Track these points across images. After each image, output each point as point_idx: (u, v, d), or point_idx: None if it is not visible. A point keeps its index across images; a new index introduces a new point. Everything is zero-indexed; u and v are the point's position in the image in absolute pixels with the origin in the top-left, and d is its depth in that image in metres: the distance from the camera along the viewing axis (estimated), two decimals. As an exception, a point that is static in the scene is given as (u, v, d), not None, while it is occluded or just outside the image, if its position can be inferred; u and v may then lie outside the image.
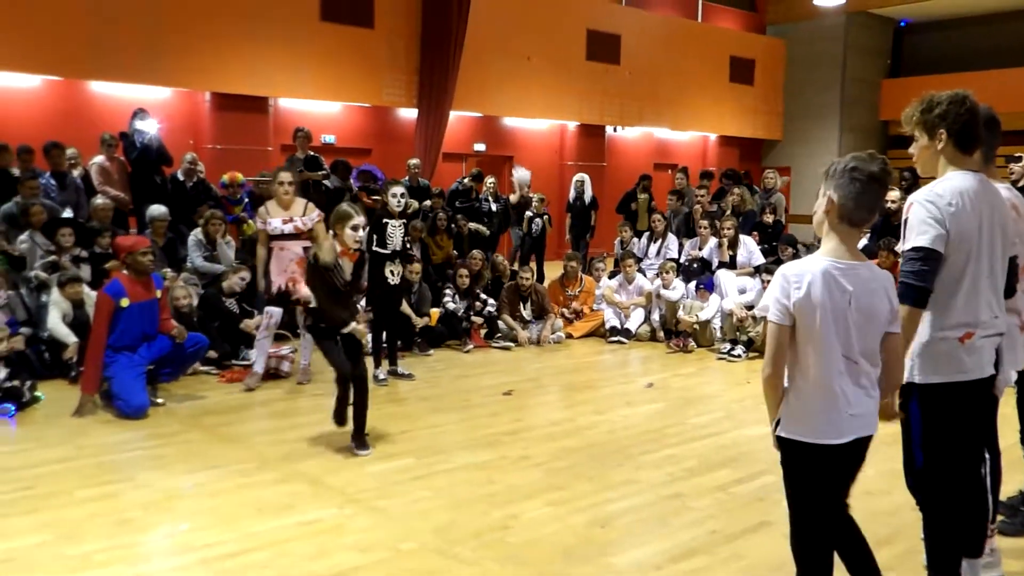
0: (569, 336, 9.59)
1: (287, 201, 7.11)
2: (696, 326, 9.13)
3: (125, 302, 6.21)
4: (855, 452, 2.73)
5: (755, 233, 10.39)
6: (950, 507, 3.13)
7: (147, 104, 10.58)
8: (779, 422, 2.77)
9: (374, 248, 7.24)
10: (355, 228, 5.53)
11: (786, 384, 2.76)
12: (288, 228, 7.04)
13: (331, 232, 5.66)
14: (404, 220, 7.62)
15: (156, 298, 6.45)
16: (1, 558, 3.79)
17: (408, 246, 7.85)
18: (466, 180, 12.16)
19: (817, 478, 2.75)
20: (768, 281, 8.68)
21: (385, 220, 7.35)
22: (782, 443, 2.78)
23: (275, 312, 6.97)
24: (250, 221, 9.95)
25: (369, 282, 7.28)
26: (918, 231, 2.98)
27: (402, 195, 7.42)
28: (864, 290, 2.65)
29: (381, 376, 7.22)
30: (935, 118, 3.07)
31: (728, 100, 20.39)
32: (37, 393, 6.40)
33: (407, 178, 11.52)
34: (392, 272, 7.34)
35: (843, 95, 20.69)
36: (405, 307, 8.47)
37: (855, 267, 2.66)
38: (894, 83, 21.20)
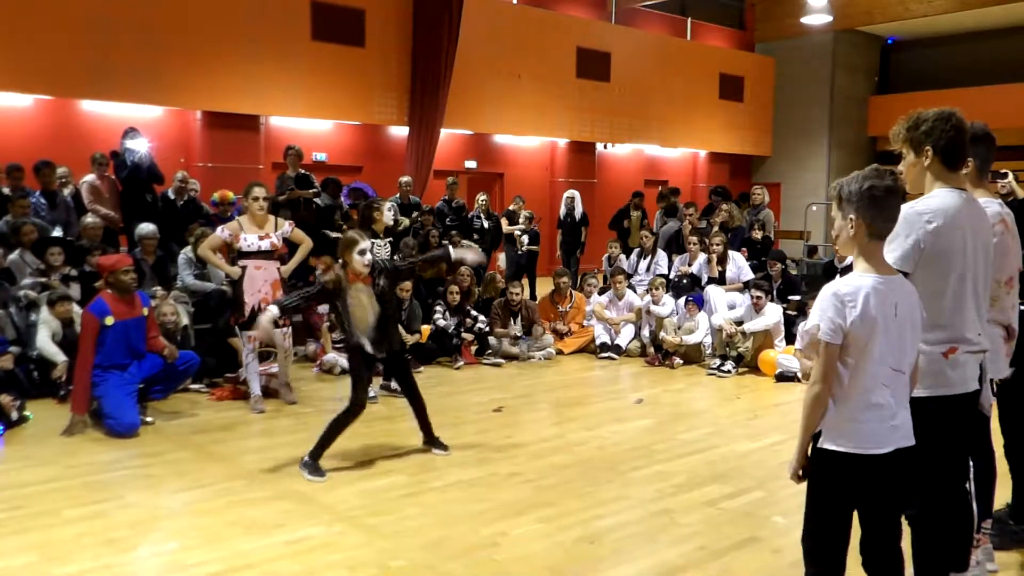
0: (559, 352, 9.61)
1: (261, 218, 6.97)
2: (681, 347, 9.15)
3: (110, 320, 6.20)
4: (896, 463, 2.75)
5: (744, 249, 10.45)
6: (936, 521, 3.15)
7: (138, 123, 10.60)
8: (818, 435, 2.79)
9: None
10: (362, 253, 5.48)
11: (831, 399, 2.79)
12: (265, 244, 6.89)
13: (340, 260, 5.62)
14: (390, 239, 7.63)
15: (143, 316, 6.44)
16: (-12, 578, 3.78)
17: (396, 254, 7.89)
18: (445, 198, 12.18)
19: (849, 490, 2.77)
20: (758, 297, 8.78)
21: (372, 241, 7.37)
22: (821, 455, 2.79)
23: (253, 334, 6.89)
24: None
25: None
26: (889, 248, 3.03)
27: (390, 210, 7.47)
28: (906, 301, 2.75)
29: (371, 393, 7.21)
30: (921, 135, 3.13)
31: (718, 117, 20.54)
32: (26, 412, 6.38)
33: (398, 195, 11.58)
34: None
35: (832, 112, 20.87)
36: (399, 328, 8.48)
37: (893, 280, 2.75)
38: (882, 100, 21.40)
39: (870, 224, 2.72)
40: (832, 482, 2.79)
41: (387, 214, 7.43)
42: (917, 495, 3.14)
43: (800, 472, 2.84)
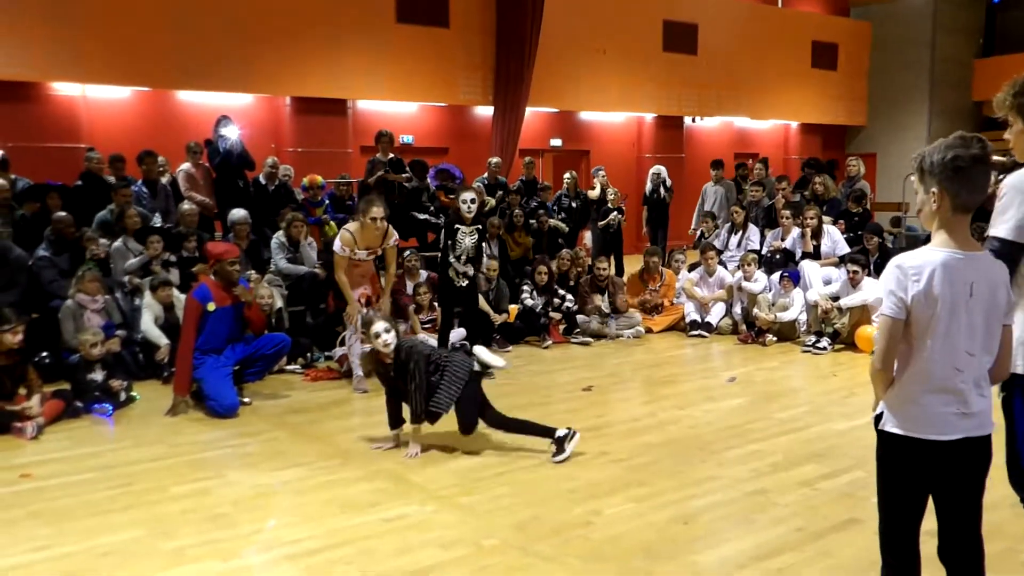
0: (649, 331, 9.50)
1: (377, 236, 6.97)
2: (774, 324, 8.93)
3: (212, 306, 6.40)
4: (964, 452, 2.58)
5: (840, 222, 10.09)
6: None
7: (230, 111, 10.88)
8: (881, 415, 2.66)
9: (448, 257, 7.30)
10: (377, 336, 5.30)
11: (893, 375, 2.65)
12: (367, 255, 7.06)
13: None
14: (478, 226, 7.60)
15: (242, 302, 6.62)
16: (101, 552, 3.95)
17: (487, 248, 7.87)
18: (523, 178, 12.10)
19: (914, 475, 2.63)
20: (855, 271, 8.48)
21: (457, 226, 7.39)
22: (882, 437, 2.67)
23: (351, 313, 7.04)
24: (332, 223, 10.14)
25: (437, 284, 7.39)
26: (1002, 218, 2.85)
27: (472, 201, 7.43)
28: (985, 280, 2.55)
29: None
30: None
31: (810, 87, 19.89)
32: (133, 393, 6.66)
33: (486, 175, 11.59)
34: (457, 274, 7.38)
35: (932, 77, 19.94)
36: (483, 304, 8.52)
37: (974, 257, 2.56)
38: (987, 63, 20.32)
39: (955, 197, 2.53)
40: (896, 466, 2.65)
41: (463, 207, 7.41)
42: None
43: (873, 419, 2.70)
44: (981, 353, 2.58)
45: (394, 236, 7.16)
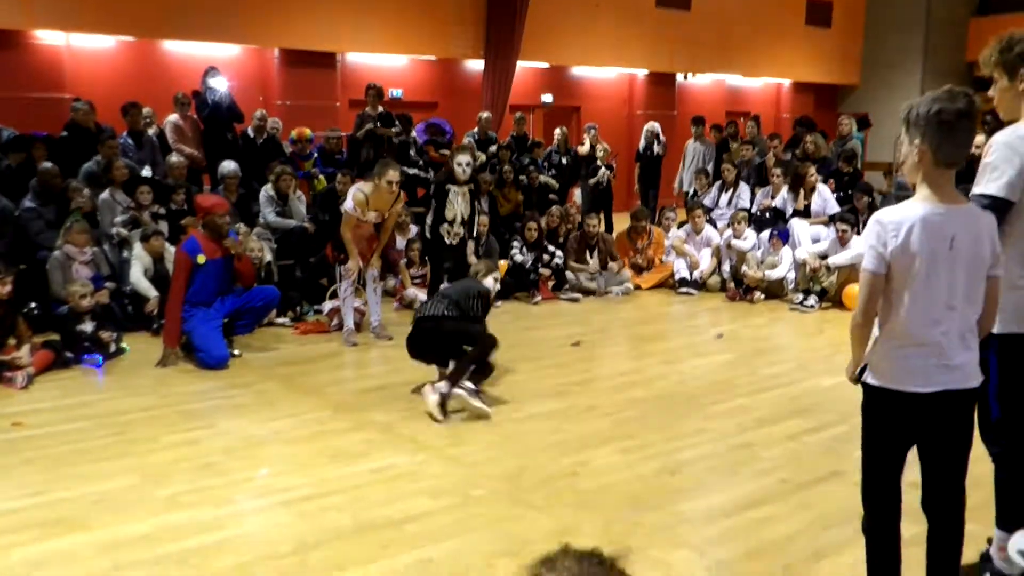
0: (637, 287, 9.53)
1: (388, 200, 6.91)
2: (762, 282, 8.98)
3: (202, 259, 6.40)
4: (945, 405, 2.60)
5: (831, 181, 10.11)
6: (1022, 458, 3.04)
7: (218, 62, 10.75)
8: (864, 368, 2.70)
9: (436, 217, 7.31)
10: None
11: (876, 331, 2.68)
12: (375, 217, 6.99)
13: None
14: (470, 186, 7.53)
15: (231, 254, 6.62)
16: (94, 498, 3.99)
17: (477, 205, 7.84)
18: (513, 134, 12.02)
19: (895, 427, 2.67)
20: (844, 230, 8.52)
21: (449, 186, 7.34)
22: (866, 389, 2.71)
23: (349, 265, 7.04)
24: (320, 176, 10.09)
25: (427, 239, 7.39)
26: (990, 176, 2.86)
27: (468, 164, 7.37)
28: (966, 233, 2.55)
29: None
30: (1015, 57, 2.93)
31: (803, 44, 19.72)
32: (123, 345, 6.66)
33: (476, 131, 11.52)
34: (448, 232, 7.35)
35: (927, 36, 19.78)
36: (473, 259, 8.52)
37: (955, 210, 2.56)
38: (983, 22, 20.14)
39: (936, 151, 2.53)
40: (878, 417, 2.69)
41: (457, 169, 7.36)
42: (1004, 433, 3.04)
43: (856, 374, 2.74)
44: (964, 306, 2.59)
45: (403, 198, 7.11)
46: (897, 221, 2.54)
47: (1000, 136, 2.90)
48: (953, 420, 2.66)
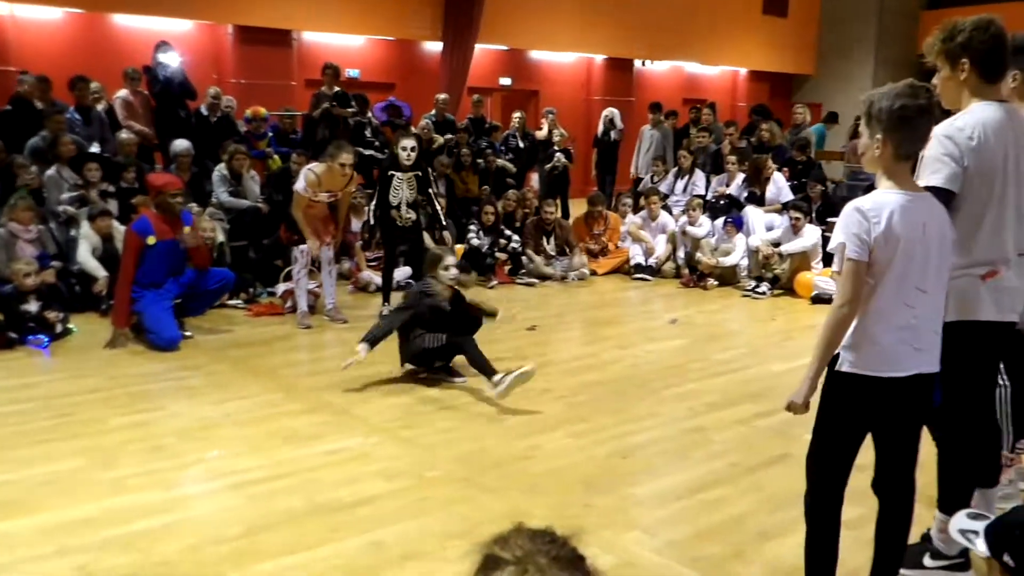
0: (593, 273, 9.58)
1: (341, 181, 6.90)
2: (716, 268, 9.08)
3: (152, 240, 6.25)
4: (916, 388, 2.66)
5: (785, 169, 10.24)
6: (964, 442, 3.12)
7: (170, 37, 10.50)
8: (837, 357, 2.68)
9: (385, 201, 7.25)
10: (447, 268, 5.60)
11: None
12: (328, 197, 6.94)
13: (429, 276, 5.66)
14: (416, 172, 7.42)
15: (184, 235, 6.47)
16: (41, 480, 3.91)
17: (432, 186, 7.77)
18: (471, 116, 11.97)
19: (861, 413, 2.69)
20: (796, 218, 8.63)
21: (392, 172, 7.23)
22: (837, 377, 2.69)
23: (307, 249, 6.95)
24: (275, 156, 9.95)
25: (378, 222, 7.34)
26: (932, 168, 2.90)
27: (412, 149, 7.25)
28: (934, 219, 2.61)
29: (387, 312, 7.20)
30: (957, 47, 2.94)
31: (760, 33, 19.90)
32: (70, 325, 6.52)
33: (434, 112, 11.44)
34: (399, 217, 7.29)
35: (880, 28, 20.10)
36: (429, 242, 8.48)
37: (922, 198, 2.63)
38: (934, 15, 20.48)
39: (897, 146, 2.57)
40: (847, 406, 2.70)
41: (401, 154, 7.26)
42: (946, 418, 3.11)
43: (807, 404, 2.69)
44: (935, 290, 2.65)
45: (356, 181, 7.05)
46: (877, 208, 2.57)
47: (939, 129, 2.94)
48: (917, 403, 2.72)
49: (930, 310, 2.65)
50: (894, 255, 2.56)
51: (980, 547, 2.01)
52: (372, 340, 5.29)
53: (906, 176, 2.64)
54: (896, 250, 2.56)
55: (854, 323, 2.65)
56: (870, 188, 2.82)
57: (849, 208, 2.62)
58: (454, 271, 5.66)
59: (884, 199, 2.59)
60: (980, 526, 2.05)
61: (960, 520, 2.14)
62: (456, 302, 5.75)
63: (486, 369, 5.19)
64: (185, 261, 6.57)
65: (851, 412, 2.71)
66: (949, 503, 3.15)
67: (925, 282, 2.61)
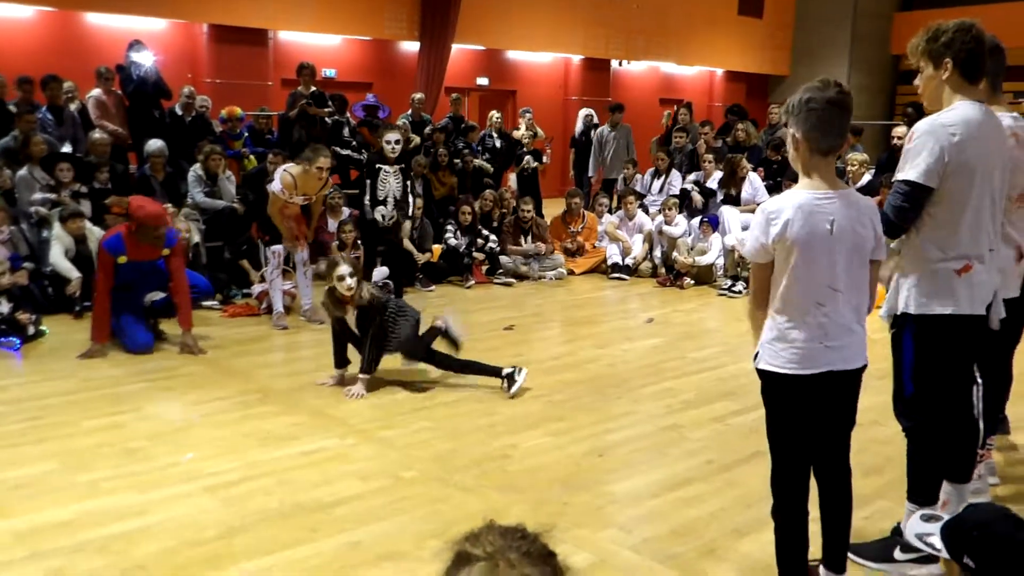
0: (571, 272, 9.61)
1: (317, 184, 6.83)
2: (692, 268, 9.14)
3: (123, 259, 5.99)
4: (831, 385, 2.69)
5: (760, 169, 10.32)
6: (937, 434, 3.17)
7: (143, 36, 10.40)
8: (757, 354, 2.77)
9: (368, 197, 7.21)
10: (341, 278, 5.19)
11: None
12: (302, 200, 6.91)
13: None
14: (401, 165, 7.47)
15: (163, 257, 6.17)
16: (13, 484, 3.87)
17: (411, 187, 7.78)
18: (450, 115, 11.94)
19: (790, 410, 2.75)
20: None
21: (379, 165, 7.27)
22: (760, 375, 2.78)
23: (279, 250, 6.93)
24: (251, 156, 9.89)
25: (359, 221, 7.33)
26: (913, 162, 2.97)
27: (396, 142, 7.30)
28: (846, 218, 2.63)
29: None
30: (940, 47, 3.03)
31: (736, 34, 20.03)
32: (42, 327, 6.45)
33: (410, 112, 11.42)
34: (383, 216, 7.29)
35: (854, 29, 20.29)
36: (407, 243, 8.48)
37: (835, 196, 2.65)
38: (907, 16, 20.75)
39: (808, 139, 2.63)
40: (774, 401, 2.77)
41: (386, 147, 7.28)
42: (917, 409, 3.16)
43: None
44: (847, 289, 2.67)
45: (331, 184, 7.03)
46: (778, 209, 2.63)
47: (922, 124, 3.01)
48: (836, 400, 2.75)
49: (844, 309, 2.67)
50: (794, 256, 2.61)
51: (940, 551, 2.03)
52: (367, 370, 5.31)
53: (826, 172, 2.68)
54: (796, 251, 2.60)
55: (768, 321, 2.72)
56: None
57: (759, 208, 2.70)
58: (349, 280, 5.18)
59: (788, 200, 2.64)
60: (935, 528, 2.07)
61: (915, 525, 2.17)
62: (365, 317, 5.32)
63: (473, 369, 5.27)
64: (163, 280, 6.28)
65: (781, 408, 2.78)
66: (918, 494, 3.20)
67: (836, 281, 2.64)
